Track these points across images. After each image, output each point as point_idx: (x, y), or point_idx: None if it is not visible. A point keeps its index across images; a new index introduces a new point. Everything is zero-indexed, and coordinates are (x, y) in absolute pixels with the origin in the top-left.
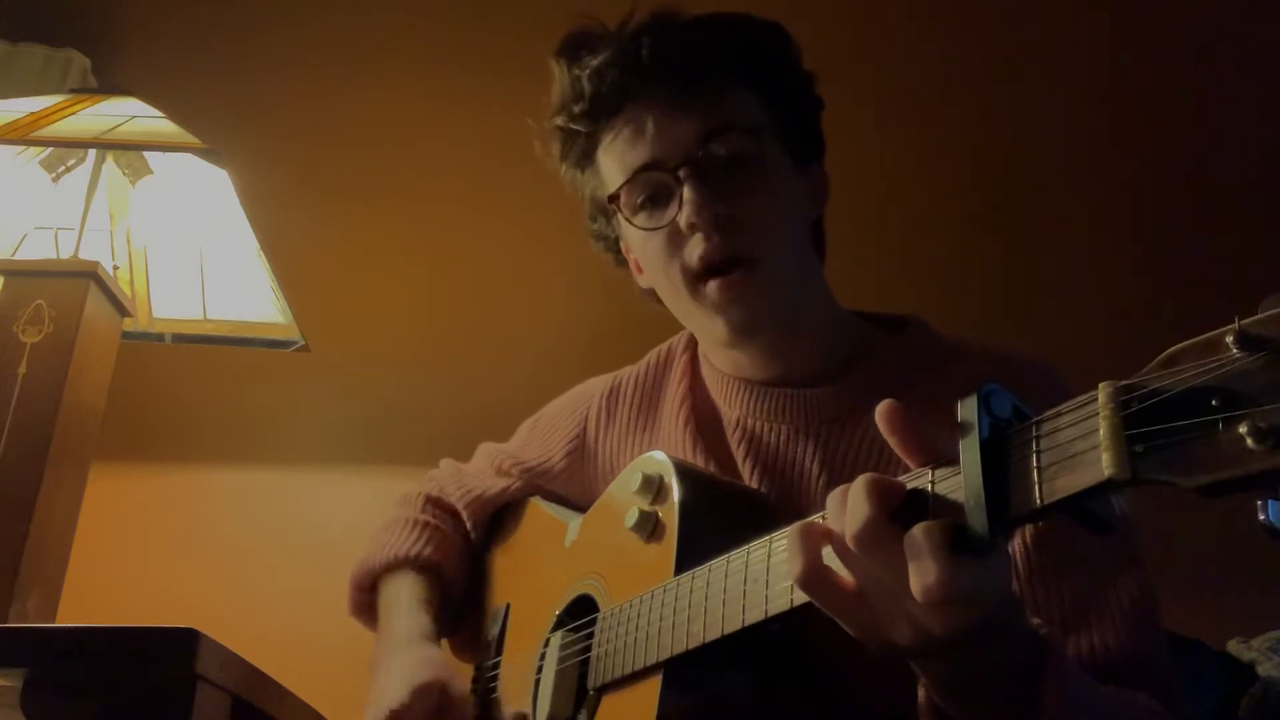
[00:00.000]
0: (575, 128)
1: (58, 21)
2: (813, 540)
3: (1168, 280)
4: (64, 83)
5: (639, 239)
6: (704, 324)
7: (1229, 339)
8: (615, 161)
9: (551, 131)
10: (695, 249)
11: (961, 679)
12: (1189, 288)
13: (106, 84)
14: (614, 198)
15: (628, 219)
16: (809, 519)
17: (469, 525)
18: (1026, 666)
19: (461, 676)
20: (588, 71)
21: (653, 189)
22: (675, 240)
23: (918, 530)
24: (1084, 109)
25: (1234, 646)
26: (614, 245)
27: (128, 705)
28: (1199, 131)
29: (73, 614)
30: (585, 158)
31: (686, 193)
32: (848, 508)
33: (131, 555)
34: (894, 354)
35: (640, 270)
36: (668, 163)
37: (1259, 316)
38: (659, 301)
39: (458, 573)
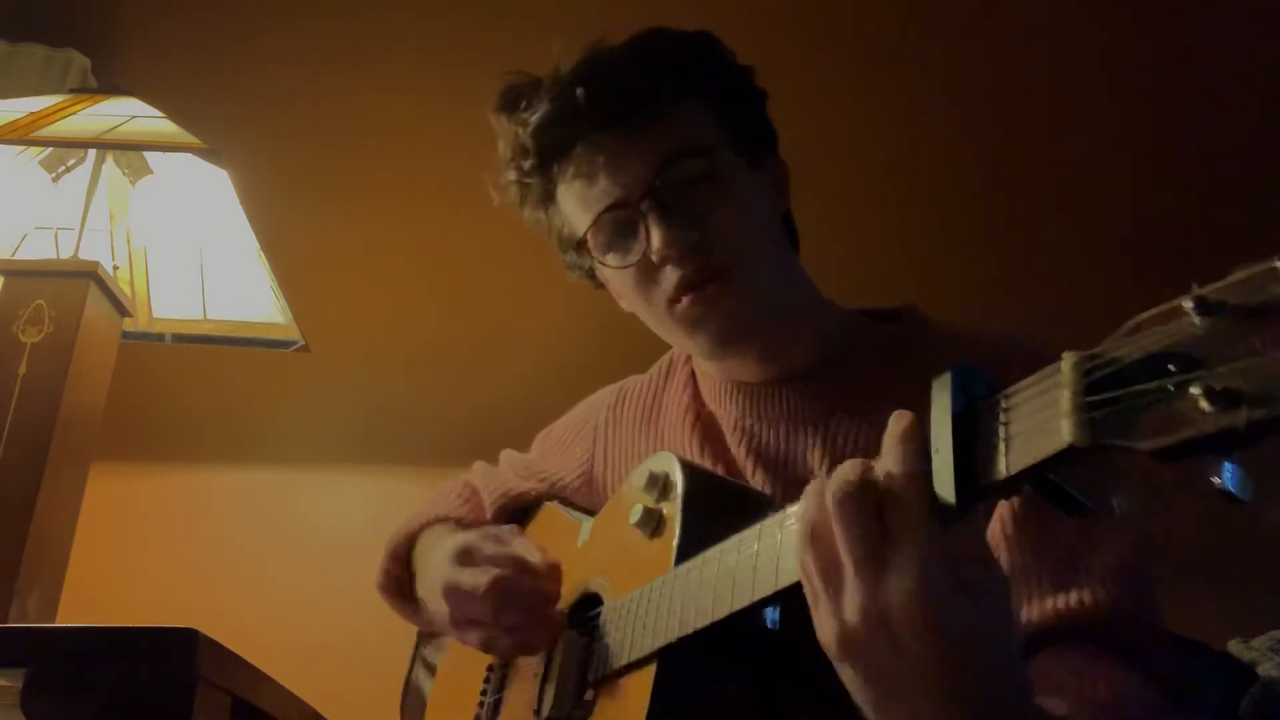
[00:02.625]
0: (528, 181)
1: (58, 21)
2: (817, 493)
3: (1165, 273)
4: (64, 83)
5: (613, 276)
6: (685, 343)
7: (1188, 305)
8: (576, 201)
9: (506, 185)
10: (670, 279)
11: None
12: (1187, 278)
13: (106, 84)
14: (581, 243)
15: (599, 260)
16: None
17: (493, 518)
18: None
19: (514, 530)
20: (530, 129)
21: (618, 226)
22: (648, 273)
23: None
24: (1083, 102)
25: (1234, 646)
26: (590, 274)
27: (128, 705)
28: (1198, 123)
29: (73, 614)
30: (547, 199)
31: (651, 225)
32: (833, 475)
33: (131, 555)
34: (887, 342)
35: (620, 295)
36: (628, 199)
37: (1218, 284)
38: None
39: None
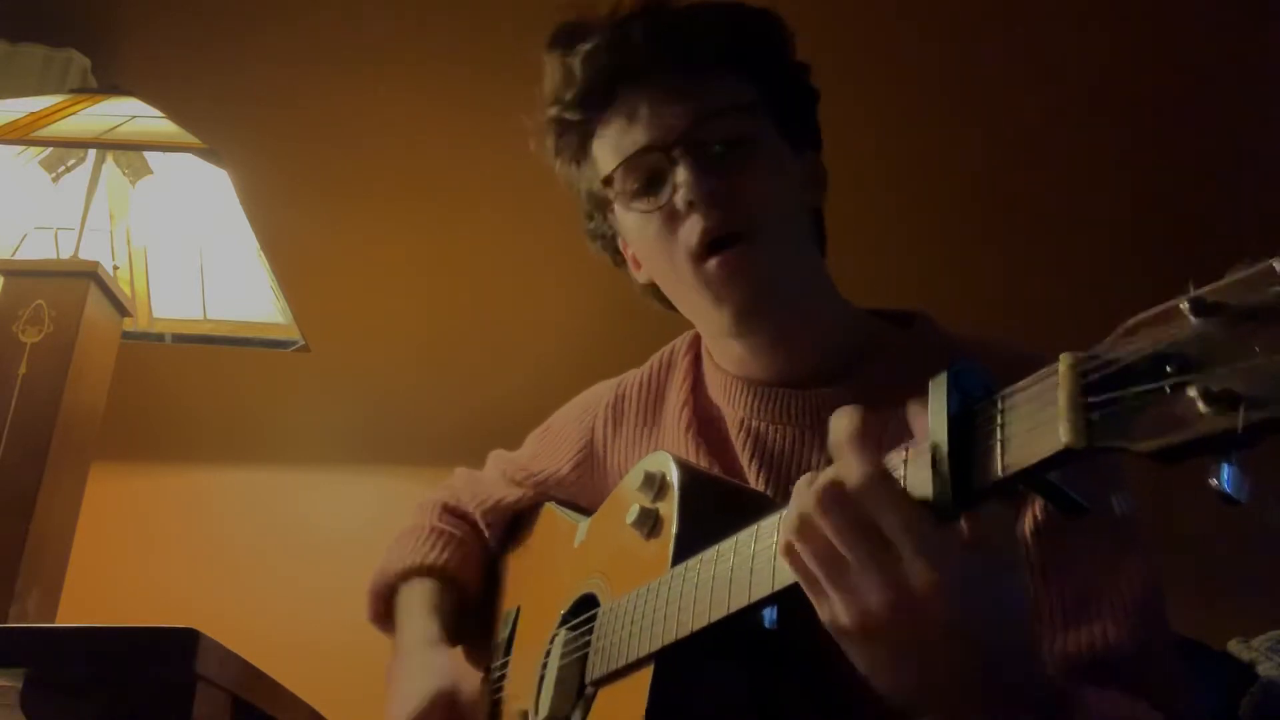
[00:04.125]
0: (568, 117)
1: (58, 21)
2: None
3: (1169, 278)
4: (64, 83)
5: (636, 224)
6: (707, 309)
7: (1185, 306)
8: (609, 149)
9: (545, 125)
10: (695, 227)
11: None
12: (1185, 278)
13: (106, 84)
14: (608, 180)
15: (624, 205)
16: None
17: (486, 533)
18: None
19: (473, 678)
20: (579, 57)
21: (648, 173)
22: (673, 221)
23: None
24: (1086, 110)
25: (1234, 646)
26: (612, 243)
27: (128, 705)
28: (1200, 123)
29: (73, 614)
30: (580, 151)
31: (681, 171)
32: (817, 478)
33: (131, 555)
34: (901, 352)
35: (638, 266)
36: (661, 144)
37: (1215, 284)
38: (657, 299)
39: (474, 579)
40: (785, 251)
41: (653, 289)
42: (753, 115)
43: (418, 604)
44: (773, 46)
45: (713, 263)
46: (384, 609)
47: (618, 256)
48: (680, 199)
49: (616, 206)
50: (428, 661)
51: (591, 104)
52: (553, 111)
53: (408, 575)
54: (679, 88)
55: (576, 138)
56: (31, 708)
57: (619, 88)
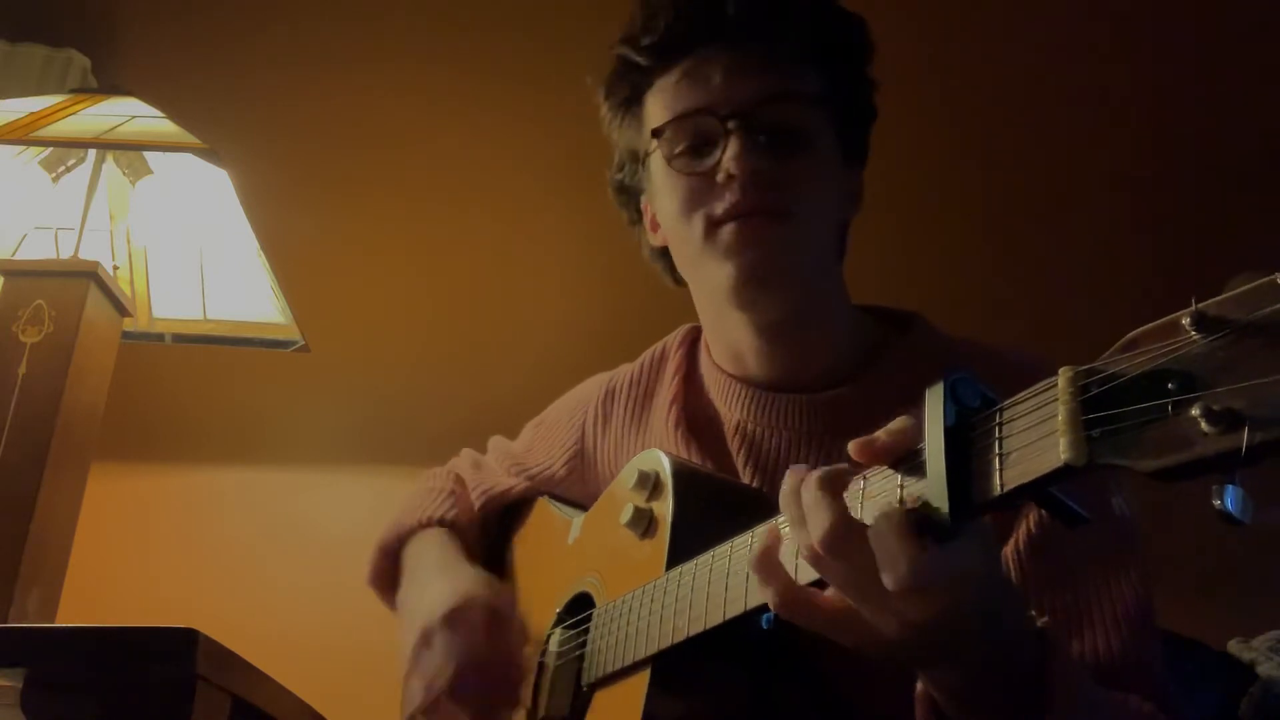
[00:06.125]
0: (638, 60)
1: (58, 21)
2: (775, 564)
3: (1172, 280)
4: (64, 83)
5: (668, 183)
6: (713, 273)
7: (1186, 321)
8: (665, 102)
9: (611, 61)
10: (725, 201)
11: (965, 682)
12: (1193, 286)
13: (106, 84)
14: (658, 131)
15: (666, 158)
16: (767, 545)
17: (481, 516)
18: (1030, 667)
19: (509, 593)
20: (668, 4)
21: (698, 136)
22: (708, 188)
23: (879, 520)
24: (1086, 108)
25: (1234, 646)
26: (635, 199)
27: (128, 705)
28: (1201, 130)
29: (73, 614)
30: (633, 99)
31: (732, 143)
32: (809, 513)
33: (131, 555)
34: (901, 358)
35: (655, 228)
36: (720, 111)
37: (1217, 298)
38: (666, 267)
39: (477, 544)
40: (808, 234)
41: (663, 254)
42: (817, 109)
43: (436, 544)
44: (854, 52)
45: (727, 228)
46: (389, 568)
47: (636, 215)
48: (723, 169)
49: (654, 161)
50: (461, 571)
51: (664, 54)
52: (624, 50)
53: (424, 527)
54: (754, 65)
55: (634, 83)
56: (31, 708)
57: (696, 47)
